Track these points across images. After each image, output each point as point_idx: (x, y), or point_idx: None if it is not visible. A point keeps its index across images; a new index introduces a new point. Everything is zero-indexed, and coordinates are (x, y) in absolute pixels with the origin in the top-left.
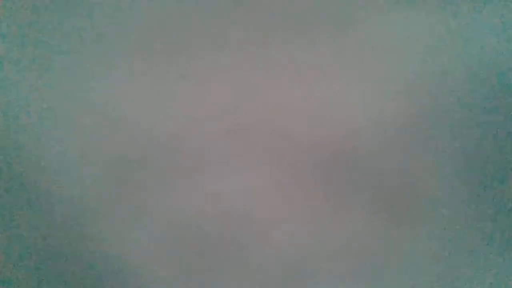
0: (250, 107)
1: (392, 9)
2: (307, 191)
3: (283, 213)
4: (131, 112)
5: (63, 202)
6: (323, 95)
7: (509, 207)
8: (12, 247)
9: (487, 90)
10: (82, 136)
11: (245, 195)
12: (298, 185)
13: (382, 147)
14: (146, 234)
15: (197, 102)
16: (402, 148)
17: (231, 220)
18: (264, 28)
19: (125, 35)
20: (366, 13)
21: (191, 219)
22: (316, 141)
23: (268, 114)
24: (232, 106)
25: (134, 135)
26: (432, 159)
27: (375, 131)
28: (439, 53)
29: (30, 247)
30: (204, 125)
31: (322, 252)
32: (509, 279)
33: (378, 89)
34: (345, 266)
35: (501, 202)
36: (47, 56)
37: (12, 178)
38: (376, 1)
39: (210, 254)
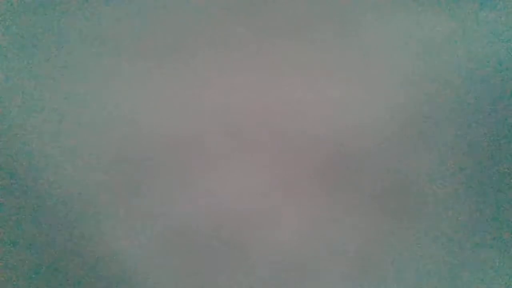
0: (250, 107)
1: (393, 10)
2: (307, 191)
3: (283, 213)
4: (131, 112)
5: (63, 202)
6: (323, 95)
7: (509, 207)
8: (12, 247)
9: (488, 90)
10: (82, 136)
11: (245, 195)
12: (298, 185)
13: (382, 147)
14: (146, 234)
15: (196, 102)
16: (402, 148)
17: (230, 220)
18: (264, 28)
19: (124, 35)
20: (367, 14)
21: (191, 219)
22: (316, 141)
23: (268, 114)
24: (232, 106)
25: (134, 135)
26: (432, 159)
27: (375, 131)
28: (439, 53)
29: (30, 247)
30: (204, 125)
31: (322, 252)
32: (509, 279)
33: (378, 89)
34: (345, 266)
35: (501, 202)
36: (47, 57)
37: (12, 178)
38: (377, 2)
39: (210, 254)
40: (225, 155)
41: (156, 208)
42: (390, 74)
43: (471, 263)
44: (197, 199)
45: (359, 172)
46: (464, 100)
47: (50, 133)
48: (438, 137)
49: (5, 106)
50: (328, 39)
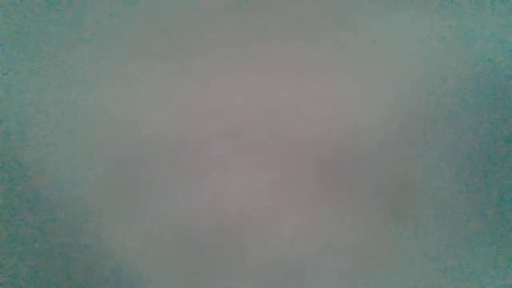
0: (250, 107)
1: (393, 10)
2: (306, 191)
3: (282, 213)
4: (131, 113)
5: (63, 202)
6: (323, 95)
7: (509, 207)
8: (12, 247)
9: (487, 90)
10: (82, 136)
11: (245, 195)
12: (298, 185)
13: (383, 146)
14: (146, 234)
15: (196, 102)
16: (402, 147)
17: (230, 220)
18: (263, 28)
19: (125, 35)
20: (367, 13)
21: (191, 219)
22: (316, 141)
23: (268, 114)
24: (232, 106)
25: (134, 135)
26: (432, 158)
27: (375, 131)
28: (439, 53)
29: (30, 247)
30: (204, 125)
31: (322, 252)
32: (509, 278)
33: (379, 89)
34: (345, 266)
35: (501, 202)
36: (47, 57)
37: (12, 178)
38: (377, 2)
39: (210, 254)
40: (225, 155)
41: (156, 208)
42: (390, 74)
43: (471, 263)
44: (197, 199)
45: (359, 172)
46: (464, 100)
47: (50, 133)
48: (438, 137)
49: (5, 106)
50: (328, 39)
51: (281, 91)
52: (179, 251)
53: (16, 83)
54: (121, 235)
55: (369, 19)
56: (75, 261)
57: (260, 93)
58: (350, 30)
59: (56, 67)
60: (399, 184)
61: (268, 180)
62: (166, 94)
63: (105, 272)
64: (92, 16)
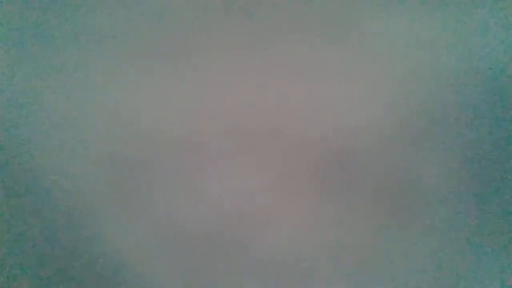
0: (250, 107)
1: (392, 9)
2: (306, 190)
3: (282, 213)
4: (131, 112)
5: (63, 202)
6: (322, 94)
7: (509, 207)
8: (12, 247)
9: (487, 89)
10: (83, 136)
11: (245, 195)
12: (298, 185)
13: (382, 146)
14: (146, 234)
15: (197, 102)
16: (402, 147)
17: (230, 220)
18: (263, 29)
19: (125, 35)
20: (366, 13)
21: (191, 219)
22: (316, 141)
23: (267, 114)
24: (232, 106)
25: (134, 135)
26: (432, 158)
27: (375, 131)
28: (439, 53)
29: (30, 247)
30: (204, 125)
31: (321, 252)
32: (509, 279)
33: (378, 89)
34: (345, 266)
35: (501, 202)
36: (47, 56)
37: (12, 178)
38: (376, 1)
39: (210, 254)
40: (225, 155)
41: (156, 208)
42: (390, 74)
43: (471, 263)
44: (197, 199)
45: (359, 172)
46: (464, 100)
47: (50, 133)
48: (438, 136)
49: (6, 106)
50: (328, 39)
51: (281, 91)
52: (179, 251)
53: (16, 83)
54: (121, 235)
55: (369, 20)
56: (75, 261)
57: (260, 93)
58: (350, 30)
59: (56, 67)
60: (399, 184)
61: (268, 180)
62: (166, 94)
63: (105, 272)
64: (93, 16)
